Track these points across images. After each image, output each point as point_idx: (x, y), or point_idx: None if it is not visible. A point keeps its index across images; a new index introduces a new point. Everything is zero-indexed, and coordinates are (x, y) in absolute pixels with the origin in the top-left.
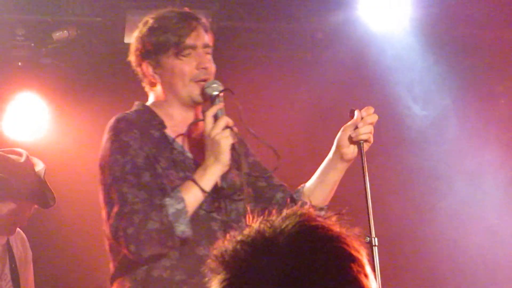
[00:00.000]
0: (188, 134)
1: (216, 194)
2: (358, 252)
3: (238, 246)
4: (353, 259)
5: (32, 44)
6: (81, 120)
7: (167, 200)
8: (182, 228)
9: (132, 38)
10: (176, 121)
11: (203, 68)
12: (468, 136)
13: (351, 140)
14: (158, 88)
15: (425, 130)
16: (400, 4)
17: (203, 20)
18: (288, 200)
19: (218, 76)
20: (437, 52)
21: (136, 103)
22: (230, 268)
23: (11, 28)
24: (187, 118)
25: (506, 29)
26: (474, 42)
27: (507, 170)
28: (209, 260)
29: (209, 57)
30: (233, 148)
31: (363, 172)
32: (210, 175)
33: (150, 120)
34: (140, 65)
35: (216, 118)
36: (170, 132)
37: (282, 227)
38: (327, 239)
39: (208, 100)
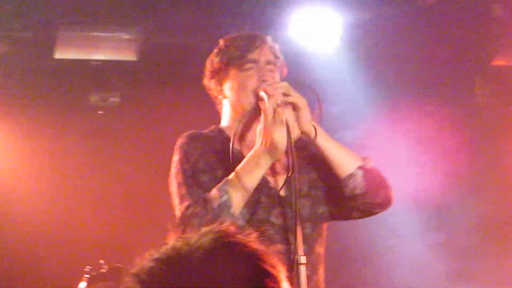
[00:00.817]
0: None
1: (277, 199)
2: (274, 268)
3: (154, 264)
4: (268, 275)
5: None
6: (11, 135)
7: (212, 193)
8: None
9: (64, 54)
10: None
11: (263, 81)
12: (395, 154)
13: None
14: (226, 104)
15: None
16: (331, 25)
17: (271, 41)
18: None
19: (153, 92)
20: (367, 71)
21: (212, 126)
22: (146, 286)
23: None
24: (254, 134)
25: (436, 48)
26: (404, 61)
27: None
28: (126, 279)
29: (274, 74)
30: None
31: (294, 192)
32: (260, 168)
33: (216, 136)
34: (209, 85)
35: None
36: (237, 145)
37: (198, 244)
38: (242, 256)
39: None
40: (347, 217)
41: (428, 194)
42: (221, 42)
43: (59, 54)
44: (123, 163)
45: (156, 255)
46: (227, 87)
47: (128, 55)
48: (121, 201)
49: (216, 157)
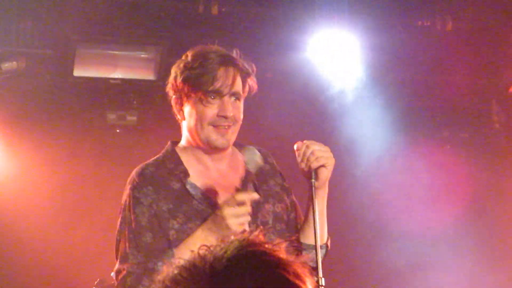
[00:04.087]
0: (213, 180)
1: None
2: (299, 278)
3: (178, 271)
4: (291, 285)
5: None
6: (28, 152)
7: (159, 265)
8: None
9: (83, 72)
10: (202, 164)
11: (223, 116)
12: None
13: (304, 172)
14: (185, 125)
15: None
16: (349, 48)
17: (244, 66)
18: None
19: (170, 111)
20: (386, 95)
21: (169, 143)
22: None
23: None
24: (212, 161)
25: (451, 74)
26: (425, 86)
27: None
28: (152, 286)
29: (237, 104)
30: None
31: (313, 207)
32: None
33: (172, 170)
34: (171, 97)
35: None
36: (195, 178)
37: (222, 252)
38: (266, 265)
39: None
40: None
41: None
42: (190, 57)
43: (78, 72)
44: None
45: (181, 263)
46: (187, 111)
47: (145, 74)
48: None
49: (172, 203)
